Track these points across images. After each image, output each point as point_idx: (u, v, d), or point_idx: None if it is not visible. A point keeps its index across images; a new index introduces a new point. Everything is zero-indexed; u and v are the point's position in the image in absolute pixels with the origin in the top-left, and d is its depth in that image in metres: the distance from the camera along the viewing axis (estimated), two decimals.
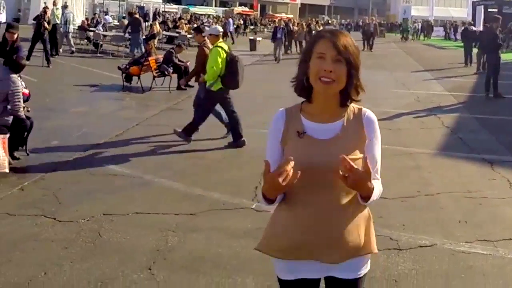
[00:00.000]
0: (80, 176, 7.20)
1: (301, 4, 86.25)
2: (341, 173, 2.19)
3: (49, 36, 18.66)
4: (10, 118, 7.38)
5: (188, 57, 16.38)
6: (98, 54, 22.90)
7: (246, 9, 68.53)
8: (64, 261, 4.76)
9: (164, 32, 29.55)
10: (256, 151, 8.21)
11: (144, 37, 21.53)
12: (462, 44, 26.61)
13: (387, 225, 5.59)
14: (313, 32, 23.35)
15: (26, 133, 7.65)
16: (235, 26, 46.41)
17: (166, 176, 7.30)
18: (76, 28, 26.22)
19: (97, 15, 34.12)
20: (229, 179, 7.28)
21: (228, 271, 4.67)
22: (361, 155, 2.38)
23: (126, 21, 29.13)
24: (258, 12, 74.72)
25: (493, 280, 4.64)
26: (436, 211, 6.27)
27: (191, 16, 48.58)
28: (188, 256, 4.94)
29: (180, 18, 42.40)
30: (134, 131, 9.79)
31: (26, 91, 8.05)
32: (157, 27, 25.48)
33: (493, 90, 15.13)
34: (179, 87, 13.88)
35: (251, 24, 54.92)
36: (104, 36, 25.31)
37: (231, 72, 8.72)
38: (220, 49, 8.78)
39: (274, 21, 48.14)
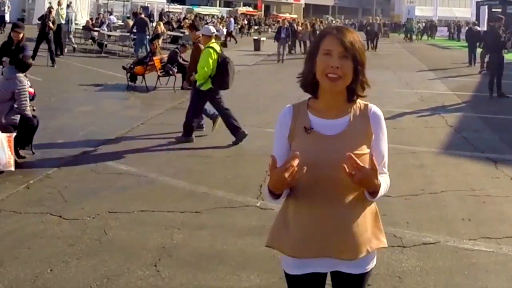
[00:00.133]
0: (85, 174, 7.24)
1: (305, 4, 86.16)
2: (347, 170, 2.21)
3: (53, 36, 18.74)
4: (17, 117, 7.43)
5: None
6: (103, 54, 22.96)
7: (250, 9, 68.59)
8: (70, 258, 4.80)
9: (169, 32, 29.57)
10: (261, 150, 8.26)
11: (148, 37, 21.58)
12: (466, 44, 26.58)
13: (391, 222, 5.60)
14: (317, 32, 23.36)
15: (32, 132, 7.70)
16: (239, 26, 46.53)
17: (171, 175, 7.34)
18: (81, 28, 26.32)
19: (101, 15, 34.16)
20: (234, 177, 7.31)
21: (233, 268, 4.70)
22: (368, 150, 2.40)
23: (130, 21, 29.19)
24: (262, 12, 74.67)
25: (496, 277, 4.67)
26: (440, 209, 6.29)
27: (195, 16, 48.61)
28: (193, 253, 4.98)
29: (184, 18, 42.44)
30: (139, 130, 9.84)
31: (32, 90, 8.09)
32: (161, 27, 25.50)
33: (497, 89, 15.14)
34: (183, 87, 13.91)
35: (255, 24, 54.96)
36: (109, 36, 25.38)
37: (221, 73, 8.83)
38: (211, 50, 8.87)
39: (278, 21, 48.13)
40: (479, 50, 22.83)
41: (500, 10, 34.56)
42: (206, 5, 69.54)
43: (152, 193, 6.61)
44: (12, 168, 6.90)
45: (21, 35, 10.26)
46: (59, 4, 21.59)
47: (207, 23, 37.13)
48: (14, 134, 7.07)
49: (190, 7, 60.00)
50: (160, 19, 36.72)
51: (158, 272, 4.60)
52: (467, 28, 30.52)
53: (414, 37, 49.20)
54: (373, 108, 2.52)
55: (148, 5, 45.01)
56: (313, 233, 2.42)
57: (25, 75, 7.70)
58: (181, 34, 29.17)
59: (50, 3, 22.82)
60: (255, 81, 17.69)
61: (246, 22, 51.42)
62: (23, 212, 5.82)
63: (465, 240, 5.37)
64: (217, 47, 9.05)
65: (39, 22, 19.00)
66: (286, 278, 2.61)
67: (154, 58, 14.96)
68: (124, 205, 6.10)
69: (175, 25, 36.43)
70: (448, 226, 5.76)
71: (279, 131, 2.53)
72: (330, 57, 2.34)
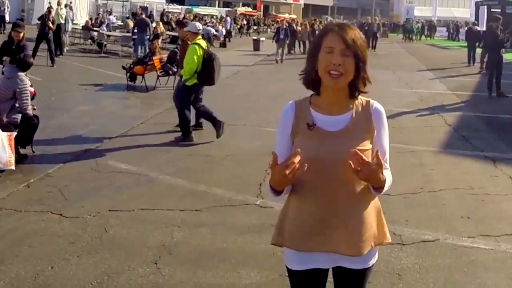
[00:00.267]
0: (85, 173, 7.26)
1: (304, 4, 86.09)
2: (353, 166, 2.23)
3: (53, 36, 18.75)
4: (18, 116, 7.45)
5: None
6: (102, 54, 22.98)
7: (250, 9, 68.53)
8: (70, 255, 4.82)
9: (168, 32, 29.56)
10: (261, 149, 8.28)
11: (148, 37, 21.62)
12: (465, 44, 26.61)
13: (390, 220, 5.58)
14: (317, 32, 23.38)
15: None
16: (238, 27, 46.53)
17: (171, 173, 7.36)
18: (80, 28, 26.33)
19: (100, 15, 34.18)
20: (234, 176, 7.33)
21: (233, 265, 4.72)
22: (370, 146, 2.43)
23: (130, 21, 29.23)
24: (261, 13, 74.66)
25: (495, 274, 4.69)
26: (439, 207, 6.31)
27: (194, 16, 48.58)
28: (193, 251, 4.99)
29: (183, 18, 42.43)
30: (139, 129, 9.86)
31: (32, 89, 8.11)
32: (161, 27, 25.50)
33: (496, 89, 15.17)
34: None
35: (254, 25, 54.98)
36: (108, 36, 25.38)
37: (207, 69, 9.04)
38: (197, 47, 9.05)
39: (277, 21, 48.16)
40: (479, 50, 22.86)
41: (499, 10, 34.61)
42: (205, 5, 69.51)
43: (152, 192, 6.63)
44: (13, 167, 6.91)
45: (21, 35, 10.29)
46: (58, 4, 21.60)
47: (206, 24, 37.23)
48: (14, 133, 7.09)
49: (189, 7, 59.98)
50: (162, 19, 36.71)
51: (158, 269, 4.62)
52: (466, 28, 30.58)
53: (414, 37, 49.26)
54: (375, 104, 2.54)
55: (147, 5, 45.05)
56: (317, 228, 2.43)
57: (26, 75, 7.72)
58: None
59: (50, 3, 22.82)
60: (255, 81, 17.70)
61: (245, 22, 51.44)
62: (24, 210, 5.83)
63: (464, 238, 5.40)
64: (203, 44, 9.26)
65: (39, 22, 19.01)
66: (289, 274, 2.63)
67: (154, 58, 14.97)
68: (124, 204, 6.11)
69: (174, 25, 36.41)
70: (447, 224, 5.79)
71: (282, 127, 2.54)
72: (332, 54, 2.36)
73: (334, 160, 2.36)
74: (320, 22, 34.78)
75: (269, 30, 54.62)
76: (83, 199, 6.22)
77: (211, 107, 9.46)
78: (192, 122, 9.48)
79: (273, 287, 4.40)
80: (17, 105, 7.42)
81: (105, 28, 26.86)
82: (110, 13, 38.51)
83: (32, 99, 8.04)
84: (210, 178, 7.17)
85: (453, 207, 6.32)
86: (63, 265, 4.64)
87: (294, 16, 59.25)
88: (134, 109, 12.18)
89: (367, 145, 2.43)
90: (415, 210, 6.18)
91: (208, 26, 34.93)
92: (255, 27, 53.89)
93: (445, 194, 6.76)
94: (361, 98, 2.53)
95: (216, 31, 33.53)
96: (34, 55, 17.09)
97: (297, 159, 2.22)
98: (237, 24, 47.65)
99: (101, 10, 40.04)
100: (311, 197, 2.44)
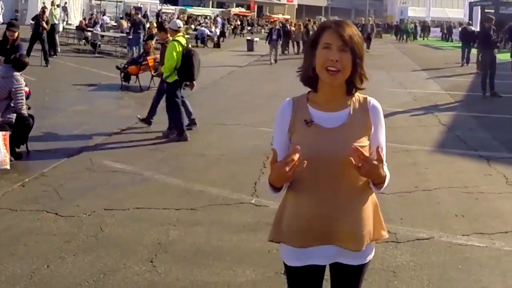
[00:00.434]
0: (80, 172, 7.25)
1: (298, 5, 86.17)
2: (354, 163, 2.23)
3: (47, 36, 18.70)
4: (13, 116, 7.44)
5: None
6: (96, 54, 22.94)
7: (243, 9, 68.54)
8: (66, 254, 4.82)
9: None
10: (255, 148, 8.28)
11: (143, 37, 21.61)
12: (459, 44, 26.69)
13: (385, 219, 5.51)
14: (311, 32, 23.42)
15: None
16: (232, 27, 46.52)
17: (166, 173, 7.36)
18: (74, 28, 26.28)
19: (94, 16, 34.12)
20: (229, 175, 7.33)
21: (229, 263, 4.73)
22: (368, 143, 2.44)
23: (124, 22, 29.19)
24: (255, 13, 74.67)
25: (490, 271, 4.72)
26: (434, 205, 6.35)
27: (188, 17, 48.55)
28: (189, 249, 5.00)
29: (177, 19, 42.36)
30: (133, 129, 9.85)
31: (27, 89, 8.10)
32: (155, 28, 25.46)
33: (489, 89, 15.23)
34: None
35: (248, 25, 55.00)
36: (102, 36, 25.34)
37: (186, 65, 9.18)
38: (176, 43, 9.21)
39: (271, 22, 48.20)
40: (474, 50, 22.92)
41: (493, 10, 34.77)
42: (199, 6, 69.48)
43: (147, 191, 6.63)
44: (8, 167, 6.91)
45: (16, 34, 10.28)
46: (52, 4, 21.55)
47: (199, 24, 37.22)
48: (9, 133, 7.08)
49: (183, 7, 59.95)
50: (158, 19, 36.66)
51: (154, 267, 4.62)
52: (461, 28, 30.67)
53: (406, 37, 49.33)
54: (372, 101, 2.55)
55: (141, 5, 44.97)
56: (316, 222, 2.44)
57: (21, 74, 7.71)
58: None
59: (43, 3, 22.78)
60: (249, 81, 17.69)
61: (239, 22, 51.43)
62: (19, 209, 5.82)
63: (459, 236, 5.43)
64: (183, 40, 9.41)
65: (33, 22, 18.96)
66: (286, 270, 2.64)
67: (148, 58, 14.94)
68: (120, 203, 6.12)
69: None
70: (442, 222, 5.82)
71: (279, 124, 2.54)
72: (329, 51, 2.36)
73: (333, 157, 2.37)
74: (314, 23, 34.85)
75: (263, 30, 54.58)
76: (78, 198, 6.22)
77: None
78: (186, 122, 9.51)
79: (269, 284, 4.42)
80: (12, 104, 7.41)
81: (99, 29, 26.81)
82: (104, 14, 38.48)
83: (27, 98, 8.03)
84: (205, 177, 7.18)
85: (447, 205, 6.35)
86: (59, 263, 4.65)
87: (288, 17, 59.30)
88: (128, 109, 12.15)
89: (364, 141, 2.44)
90: (409, 209, 6.21)
91: (202, 26, 34.91)
92: (249, 28, 53.91)
93: (440, 192, 6.79)
94: (358, 95, 2.54)
95: (210, 31, 33.51)
96: (28, 55, 16.98)
97: (296, 156, 2.22)
98: (231, 24, 47.62)
99: (95, 10, 39.99)
100: (309, 193, 2.45)
